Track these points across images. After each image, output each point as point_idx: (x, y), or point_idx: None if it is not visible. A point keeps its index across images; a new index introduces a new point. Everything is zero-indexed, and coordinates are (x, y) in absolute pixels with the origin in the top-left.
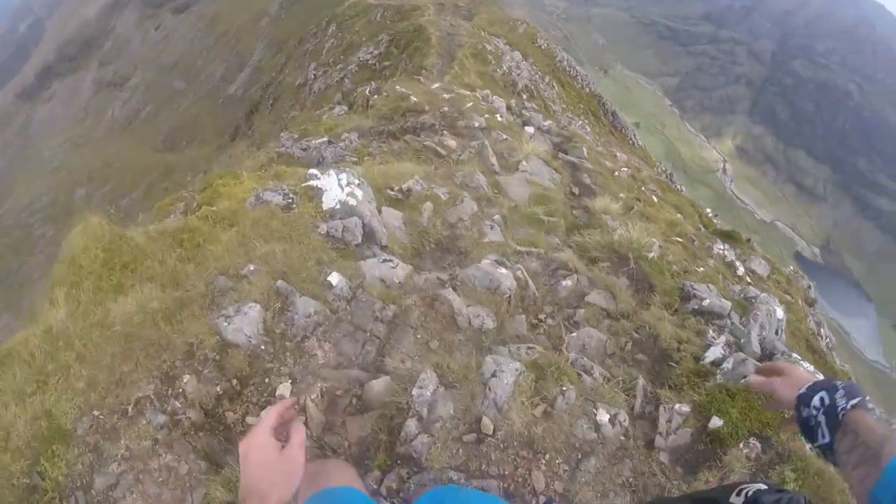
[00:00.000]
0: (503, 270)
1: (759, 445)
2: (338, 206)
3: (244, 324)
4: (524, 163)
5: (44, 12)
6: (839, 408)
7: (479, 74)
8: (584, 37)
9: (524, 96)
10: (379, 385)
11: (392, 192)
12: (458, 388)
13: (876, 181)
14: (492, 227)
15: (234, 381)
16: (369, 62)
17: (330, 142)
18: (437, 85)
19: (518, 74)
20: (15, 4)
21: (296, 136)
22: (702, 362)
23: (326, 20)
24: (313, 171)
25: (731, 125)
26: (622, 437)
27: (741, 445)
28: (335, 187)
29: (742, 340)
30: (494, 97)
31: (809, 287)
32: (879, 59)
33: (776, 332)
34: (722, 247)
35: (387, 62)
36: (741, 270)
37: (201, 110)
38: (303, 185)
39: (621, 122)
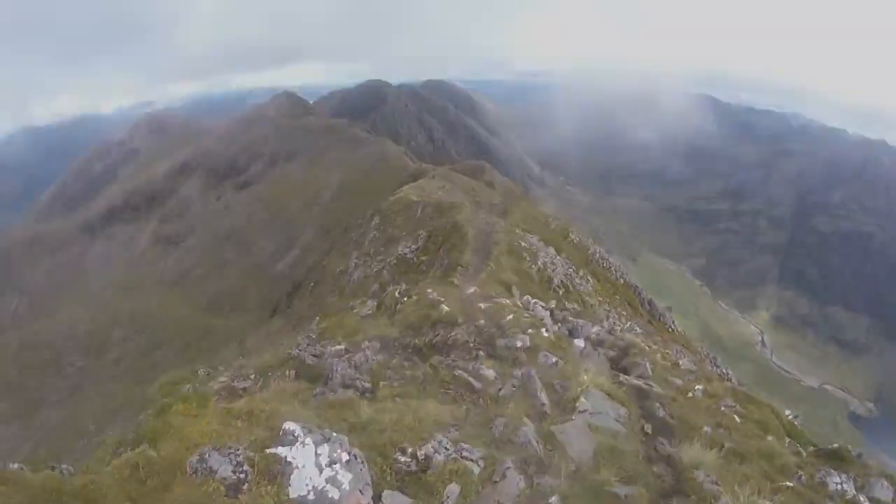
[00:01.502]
0: None
1: None
2: (311, 497)
3: None
4: (582, 399)
5: (120, 158)
6: None
7: (515, 271)
8: (610, 227)
9: (560, 292)
10: None
11: (403, 460)
12: None
13: None
14: None
15: None
16: (408, 256)
17: (347, 350)
18: (472, 290)
19: (553, 270)
20: (95, 144)
21: (313, 335)
22: None
23: (371, 212)
24: (290, 424)
25: (763, 295)
26: None
27: None
28: (310, 465)
29: None
30: (536, 303)
31: None
32: (893, 193)
33: None
34: (837, 479)
35: (424, 257)
36: None
37: (248, 281)
38: (266, 450)
39: (658, 310)
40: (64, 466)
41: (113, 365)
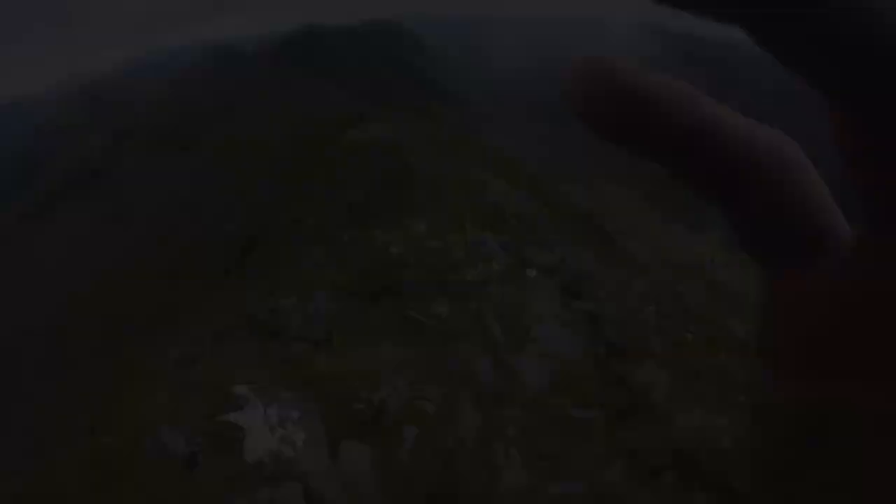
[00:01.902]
0: None
1: None
2: (266, 460)
3: None
4: (535, 327)
5: (56, 138)
6: None
7: (468, 206)
8: (561, 155)
9: (512, 223)
10: None
11: (358, 407)
12: None
13: None
14: (506, 455)
15: None
16: (359, 200)
17: (300, 302)
18: (423, 227)
19: (506, 202)
20: (30, 130)
21: (267, 291)
22: None
23: (319, 159)
24: (239, 388)
25: (713, 217)
26: None
27: None
28: (261, 427)
29: None
30: (487, 236)
31: None
32: None
33: None
34: None
35: (375, 200)
36: None
37: (200, 245)
38: (217, 418)
39: (609, 234)
40: (25, 469)
41: (75, 351)
